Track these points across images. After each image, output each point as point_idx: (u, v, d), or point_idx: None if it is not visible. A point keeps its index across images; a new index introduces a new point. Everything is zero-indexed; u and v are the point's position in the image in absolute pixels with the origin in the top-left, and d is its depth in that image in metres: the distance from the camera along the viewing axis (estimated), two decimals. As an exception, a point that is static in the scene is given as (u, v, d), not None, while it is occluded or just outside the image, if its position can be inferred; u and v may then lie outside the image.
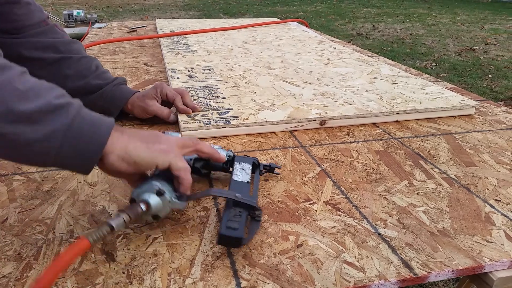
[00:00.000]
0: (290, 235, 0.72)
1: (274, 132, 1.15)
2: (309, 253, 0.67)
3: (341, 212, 0.79)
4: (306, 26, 2.88)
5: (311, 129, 1.18)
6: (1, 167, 0.94)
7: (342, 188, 0.87)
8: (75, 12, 5.50)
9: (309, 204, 0.81)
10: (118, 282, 0.60)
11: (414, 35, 7.62)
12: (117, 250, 0.67)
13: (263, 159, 0.99)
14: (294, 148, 1.06)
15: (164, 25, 2.69)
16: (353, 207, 0.80)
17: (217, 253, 0.67)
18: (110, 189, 0.85)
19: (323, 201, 0.82)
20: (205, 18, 6.20)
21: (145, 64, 1.87)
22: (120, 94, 1.17)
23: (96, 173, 0.92)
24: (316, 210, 0.79)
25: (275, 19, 2.99)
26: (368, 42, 6.90)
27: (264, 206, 0.80)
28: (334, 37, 2.78)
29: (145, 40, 2.37)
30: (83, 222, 0.75)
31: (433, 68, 5.41)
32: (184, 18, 7.57)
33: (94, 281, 0.60)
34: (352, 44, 3.95)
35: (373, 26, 8.37)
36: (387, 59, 2.03)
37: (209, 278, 0.61)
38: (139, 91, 1.20)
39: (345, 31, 7.72)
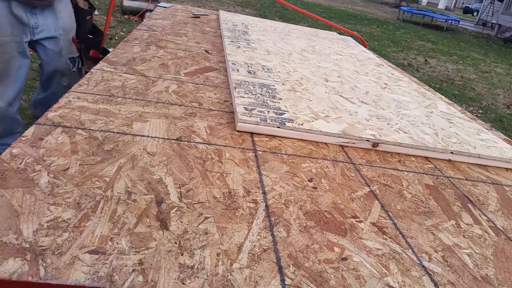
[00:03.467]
0: (336, 246, 0.72)
1: (326, 143, 1.15)
2: (353, 269, 0.67)
3: (387, 236, 0.78)
4: (363, 43, 2.87)
5: (363, 148, 1.17)
6: (66, 120, 0.98)
7: (390, 213, 0.87)
8: (139, -13, 5.64)
9: (356, 221, 0.81)
10: (170, 250, 0.62)
11: (465, 78, 7.45)
12: (171, 221, 0.69)
13: (313, 167, 1.00)
14: (344, 163, 1.06)
15: (227, 17, 2.74)
16: (400, 235, 0.80)
17: (264, 245, 0.68)
18: (167, 161, 0.88)
19: (370, 222, 0.82)
20: (261, 18, 6.27)
21: (206, 51, 1.91)
22: None
23: (155, 144, 0.95)
24: (362, 229, 0.79)
25: (334, 33, 2.99)
26: (418, 75, 6.80)
27: (310, 212, 0.81)
28: (391, 63, 2.75)
29: (208, 29, 2.41)
30: (141, 187, 0.77)
31: (479, 115, 5.28)
32: (241, 14, 7.68)
33: (148, 245, 0.63)
34: (404, 74, 3.89)
35: (426, 60, 8.24)
36: (442, 96, 2.00)
37: (255, 268, 0.62)
38: None
39: (396, 59, 7.63)
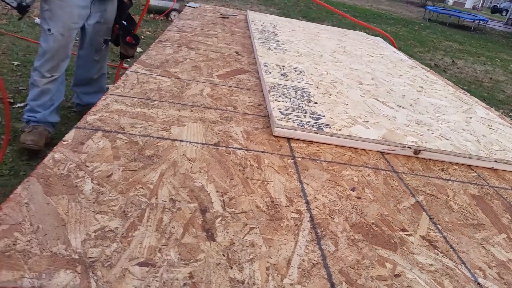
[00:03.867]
0: (387, 262, 0.69)
1: (365, 150, 1.12)
2: (408, 286, 0.64)
3: (439, 251, 0.75)
4: (393, 43, 2.80)
5: (404, 155, 1.14)
6: (106, 123, 0.98)
7: (439, 226, 0.83)
8: (164, -13, 5.67)
9: (405, 234, 0.78)
10: (219, 263, 0.60)
11: (494, 79, 7.23)
12: (217, 231, 0.67)
13: (354, 175, 0.97)
14: (386, 171, 1.02)
15: (256, 17, 2.72)
16: (451, 249, 0.76)
17: (312, 260, 0.66)
18: (207, 168, 0.87)
19: (420, 235, 0.78)
20: (283, 17, 6.21)
21: (236, 52, 1.89)
22: None
23: (194, 150, 0.93)
24: (413, 243, 0.76)
25: (362, 33, 2.94)
26: (446, 76, 6.63)
27: (357, 224, 0.78)
28: (422, 65, 2.68)
29: (237, 29, 2.40)
30: (184, 194, 0.76)
31: (509, 118, 5.11)
32: (264, 13, 7.63)
33: (196, 257, 0.61)
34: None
35: (453, 61, 8.04)
36: (479, 100, 1.93)
37: (306, 284, 0.60)
38: None
39: (423, 60, 7.46)
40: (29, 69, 2.99)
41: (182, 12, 2.59)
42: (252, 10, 7.97)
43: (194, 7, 2.80)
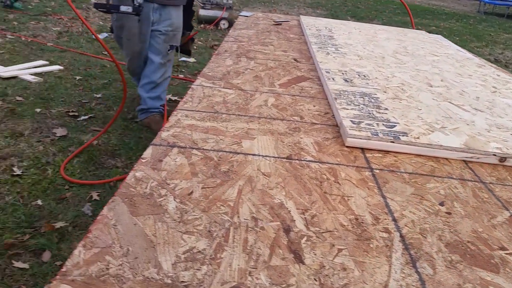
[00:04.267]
0: (492, 286, 0.63)
1: (446, 159, 1.05)
2: (522, 316, 0.58)
3: (550, 274, 0.68)
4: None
5: (489, 164, 1.05)
6: (180, 139, 0.99)
7: (544, 244, 0.75)
8: (213, -4, 5.77)
9: (505, 253, 0.71)
10: (313, 289, 0.58)
11: None
12: (304, 253, 0.65)
13: (440, 188, 0.91)
14: (473, 182, 0.95)
15: (309, 22, 2.68)
16: None
17: (411, 285, 0.61)
18: (284, 183, 0.84)
19: (524, 255, 0.71)
20: (332, 18, 6.11)
21: (295, 59, 1.86)
22: None
23: (268, 164, 0.91)
24: (517, 264, 0.69)
25: (421, 31, 2.81)
26: (510, 71, 6.21)
27: (452, 243, 0.72)
28: (489, 62, 2.51)
29: (292, 35, 2.37)
30: (265, 212, 0.74)
31: None
32: (311, 15, 7.58)
33: (287, 281, 0.59)
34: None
35: (515, 54, 7.53)
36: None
37: (408, 313, 0.56)
38: None
39: (482, 55, 7.05)
40: (90, 82, 3.14)
41: (236, 22, 2.61)
42: (300, 14, 7.92)
43: (247, 16, 2.81)
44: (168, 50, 2.56)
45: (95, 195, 1.85)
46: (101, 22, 5.04)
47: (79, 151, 2.13)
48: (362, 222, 0.75)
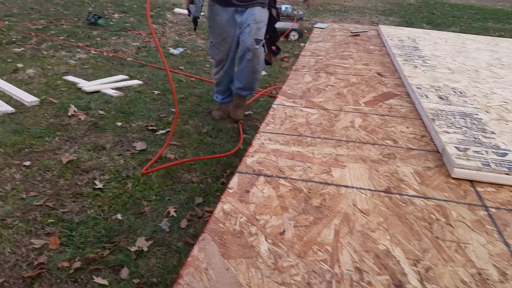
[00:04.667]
0: None
1: None
2: None
3: None
4: None
5: None
6: (265, 167, 0.92)
7: None
8: (283, 7, 5.75)
9: None
10: None
11: None
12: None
13: None
14: None
15: (390, 32, 2.53)
16: None
17: None
18: (386, 224, 0.74)
19: None
20: (406, 26, 5.81)
21: (378, 73, 1.74)
22: None
23: (364, 198, 0.82)
24: None
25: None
26: None
27: None
28: None
29: (371, 47, 2.24)
30: (369, 262, 0.64)
31: None
32: (384, 23, 7.29)
33: None
34: None
35: None
36: None
37: None
38: None
39: None
40: (167, 97, 3.22)
41: (312, 35, 2.53)
42: (372, 21, 7.65)
43: (322, 28, 2.72)
44: (254, 45, 2.46)
45: (172, 211, 1.85)
46: (177, 37, 5.22)
47: (156, 157, 2.20)
48: (487, 279, 0.63)
